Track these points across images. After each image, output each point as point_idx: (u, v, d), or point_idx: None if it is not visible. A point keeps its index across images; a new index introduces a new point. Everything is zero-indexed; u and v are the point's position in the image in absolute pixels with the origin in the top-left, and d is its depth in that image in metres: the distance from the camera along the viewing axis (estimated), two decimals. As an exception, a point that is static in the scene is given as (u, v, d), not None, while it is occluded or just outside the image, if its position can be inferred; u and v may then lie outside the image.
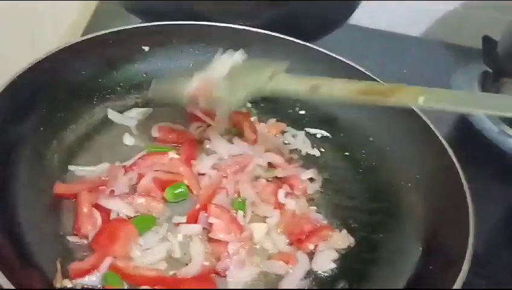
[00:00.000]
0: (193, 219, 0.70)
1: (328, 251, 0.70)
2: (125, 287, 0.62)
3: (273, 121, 0.89)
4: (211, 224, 0.68)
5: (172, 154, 0.76)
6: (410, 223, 0.73)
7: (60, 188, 0.70)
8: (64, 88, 0.79)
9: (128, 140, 0.80)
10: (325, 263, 0.69)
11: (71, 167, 0.74)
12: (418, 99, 0.62)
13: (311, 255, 0.70)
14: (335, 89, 0.66)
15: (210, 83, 0.71)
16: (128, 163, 0.75)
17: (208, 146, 0.80)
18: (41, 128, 0.73)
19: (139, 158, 0.76)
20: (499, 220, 0.91)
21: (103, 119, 0.82)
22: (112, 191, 0.70)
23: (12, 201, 0.64)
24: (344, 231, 0.73)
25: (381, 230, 0.74)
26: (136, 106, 0.85)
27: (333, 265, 0.69)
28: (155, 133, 0.81)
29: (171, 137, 0.81)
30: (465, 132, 1.07)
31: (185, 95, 0.72)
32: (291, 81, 0.71)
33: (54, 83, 0.77)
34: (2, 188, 0.64)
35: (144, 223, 0.68)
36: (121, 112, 0.83)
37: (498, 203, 0.93)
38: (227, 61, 0.73)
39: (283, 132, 0.88)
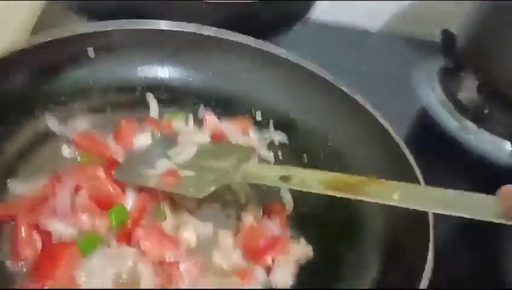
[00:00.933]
0: (124, 239, 0.66)
1: (287, 265, 0.68)
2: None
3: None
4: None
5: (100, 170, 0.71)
6: (371, 229, 0.71)
7: (-1, 209, 0.65)
8: (2, 99, 0.73)
9: (67, 151, 0.75)
10: (284, 278, 0.67)
11: (9, 184, 0.69)
12: (393, 195, 0.58)
13: (269, 269, 0.68)
14: (305, 182, 0.64)
15: (176, 174, 0.69)
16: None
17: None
18: (-23, 144, 0.69)
19: (71, 170, 0.70)
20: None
21: (46, 131, 0.76)
22: (53, 210, 0.65)
23: None
24: (303, 241, 0.71)
25: (341, 239, 0.72)
26: (81, 114, 0.80)
27: (292, 279, 0.67)
28: (75, 137, 0.76)
29: (90, 146, 0.75)
30: (426, 127, 1.07)
31: (151, 182, 0.69)
32: (261, 169, 0.71)
33: (-10, 94, 0.72)
34: None
35: (90, 243, 0.63)
36: (64, 121, 0.78)
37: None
38: (192, 144, 0.73)
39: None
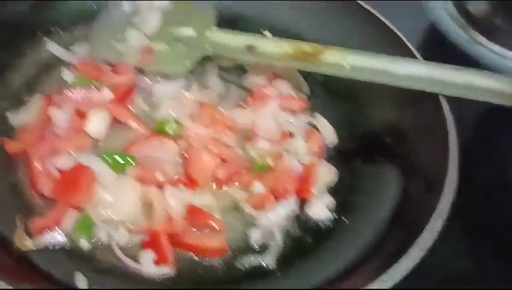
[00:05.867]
0: None
1: (323, 196, 0.66)
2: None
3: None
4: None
5: (107, 92, 0.68)
6: (388, 146, 0.70)
7: (10, 146, 0.63)
8: (5, 25, 0.71)
9: (68, 76, 0.73)
10: (322, 211, 0.65)
11: (8, 114, 0.67)
12: (345, 59, 0.65)
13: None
14: (270, 54, 0.69)
15: (151, 50, 0.72)
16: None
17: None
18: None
19: (67, 92, 0.68)
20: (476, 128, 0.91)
21: (49, 59, 0.75)
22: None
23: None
24: (325, 163, 0.69)
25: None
26: (84, 39, 0.76)
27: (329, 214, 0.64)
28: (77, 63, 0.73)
29: (93, 73, 0.72)
30: (436, 40, 1.04)
31: (127, 58, 0.72)
32: (226, 36, 0.72)
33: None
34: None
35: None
36: (66, 46, 0.76)
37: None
38: (156, 11, 0.75)
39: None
